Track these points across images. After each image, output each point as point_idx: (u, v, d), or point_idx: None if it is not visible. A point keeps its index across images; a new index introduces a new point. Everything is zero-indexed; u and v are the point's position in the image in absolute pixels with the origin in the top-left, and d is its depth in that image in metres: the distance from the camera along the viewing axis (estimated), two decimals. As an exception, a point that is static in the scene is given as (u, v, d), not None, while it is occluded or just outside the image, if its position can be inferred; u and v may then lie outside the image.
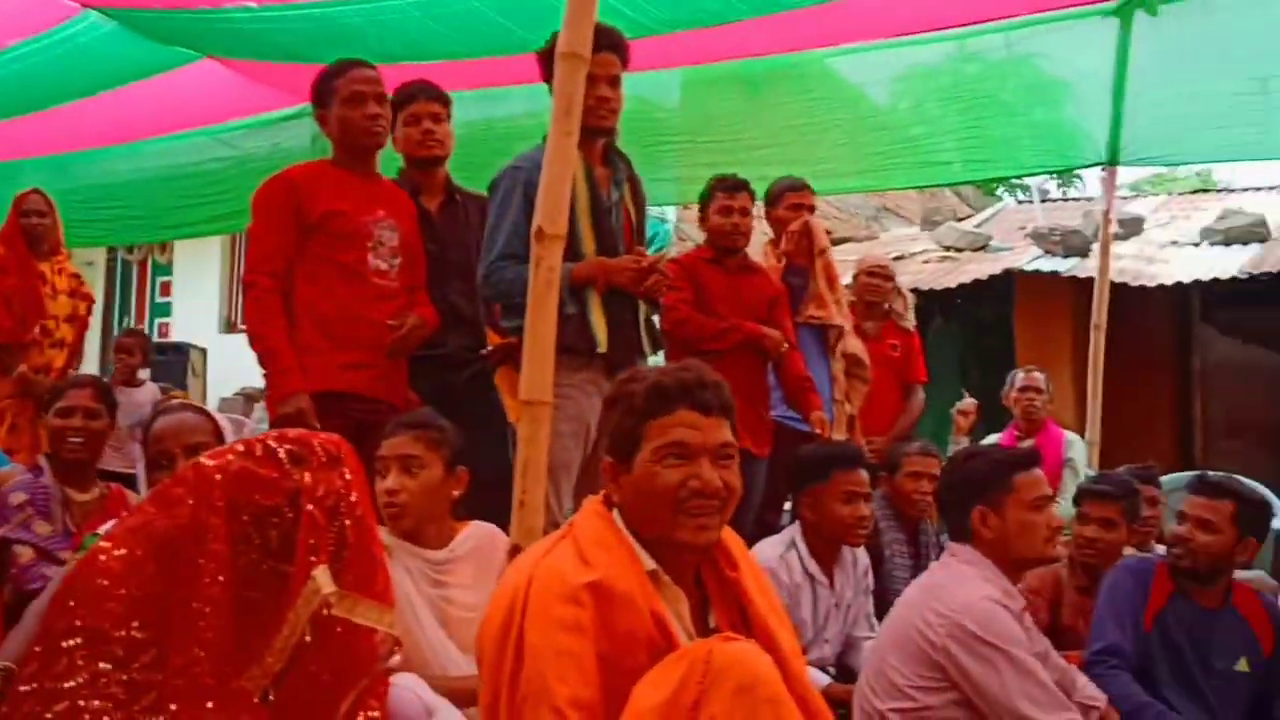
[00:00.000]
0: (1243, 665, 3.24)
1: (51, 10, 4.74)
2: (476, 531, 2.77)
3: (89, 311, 5.58)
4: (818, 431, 4.22)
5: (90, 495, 3.51)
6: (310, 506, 1.85)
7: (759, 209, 4.83)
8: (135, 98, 5.63)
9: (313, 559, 1.84)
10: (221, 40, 5.03)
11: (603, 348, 3.30)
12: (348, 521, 1.91)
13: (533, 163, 3.07)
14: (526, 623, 1.75)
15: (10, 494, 3.41)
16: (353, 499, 1.93)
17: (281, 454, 1.86)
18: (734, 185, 4.28)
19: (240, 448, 1.87)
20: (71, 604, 1.78)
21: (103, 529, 2.10)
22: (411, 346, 3.46)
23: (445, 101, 3.80)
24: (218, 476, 1.83)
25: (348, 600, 1.91)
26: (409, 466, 2.65)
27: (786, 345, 4.25)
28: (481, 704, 1.85)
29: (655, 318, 3.65)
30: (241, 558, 1.83)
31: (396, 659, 2.38)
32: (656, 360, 3.96)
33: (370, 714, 2.04)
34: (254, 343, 3.34)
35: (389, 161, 3.75)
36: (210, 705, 1.75)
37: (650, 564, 1.86)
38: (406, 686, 2.31)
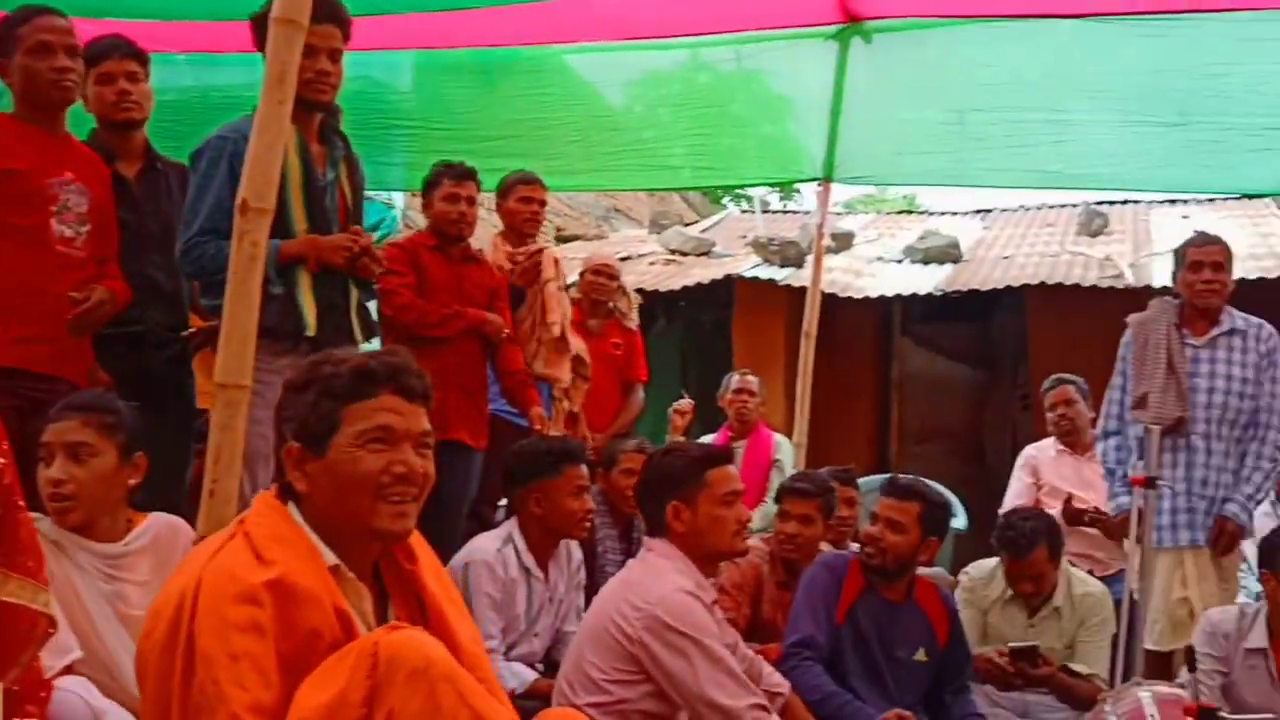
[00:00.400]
0: (921, 655, 3.49)
1: None
2: (156, 523, 2.58)
3: None
4: (536, 427, 4.21)
5: None
6: None
7: (489, 200, 4.79)
8: None
9: None
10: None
11: (311, 331, 3.13)
12: None
13: (240, 133, 2.88)
14: (197, 627, 1.62)
15: None
16: None
17: None
18: (462, 173, 4.20)
19: None
20: None
21: None
22: (97, 323, 3.18)
23: (143, 60, 3.51)
24: None
25: None
26: (77, 454, 2.44)
27: (507, 332, 4.21)
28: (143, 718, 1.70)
29: (370, 304, 3.53)
30: None
31: (76, 655, 2.20)
32: (370, 347, 3.84)
33: None
34: None
35: (80, 124, 3.45)
36: None
37: (332, 559, 1.78)
38: (71, 690, 2.15)
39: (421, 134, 5.60)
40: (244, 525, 1.79)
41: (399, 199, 8.19)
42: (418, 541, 1.96)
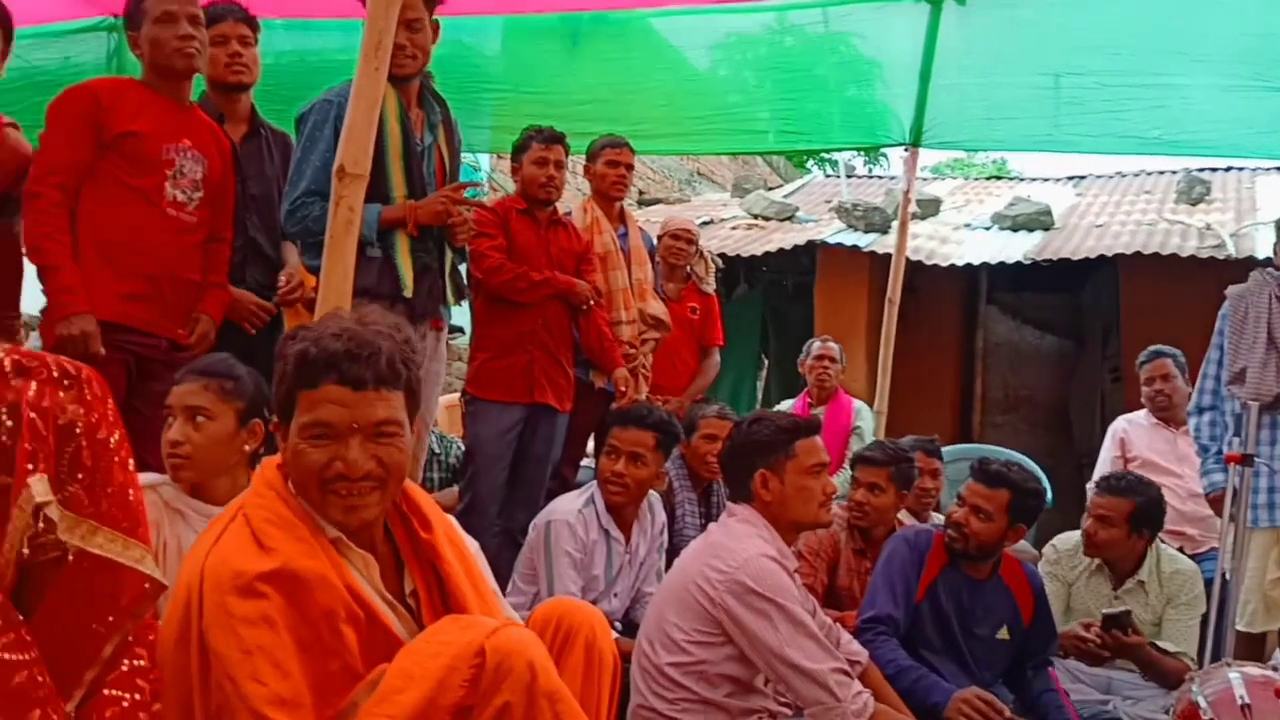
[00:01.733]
0: (1004, 634, 3.45)
1: None
2: None
3: None
4: (622, 390, 4.24)
5: None
6: (32, 415, 1.72)
7: (576, 164, 4.80)
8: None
9: (30, 467, 1.71)
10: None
11: (409, 292, 3.22)
12: (84, 443, 1.78)
13: (345, 97, 2.94)
14: (205, 624, 1.60)
15: None
16: (93, 420, 1.80)
17: (6, 364, 1.73)
18: (550, 137, 4.22)
19: None
20: None
21: None
22: (205, 351, 3.24)
23: (254, 25, 3.62)
24: None
25: (84, 526, 1.79)
26: (195, 417, 2.49)
27: (593, 301, 4.24)
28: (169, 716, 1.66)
29: (461, 266, 3.58)
30: None
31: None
32: (459, 310, 3.89)
33: (137, 662, 1.92)
34: (34, 256, 3.11)
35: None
36: None
37: (332, 531, 1.75)
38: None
39: (509, 97, 5.63)
40: (243, 507, 1.74)
41: (485, 161, 8.27)
42: (430, 508, 1.91)
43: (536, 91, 5.58)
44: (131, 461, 1.89)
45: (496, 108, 5.69)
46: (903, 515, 4.22)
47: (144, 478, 2.30)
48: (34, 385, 1.73)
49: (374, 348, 1.73)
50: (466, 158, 7.45)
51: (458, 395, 5.00)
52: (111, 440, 1.85)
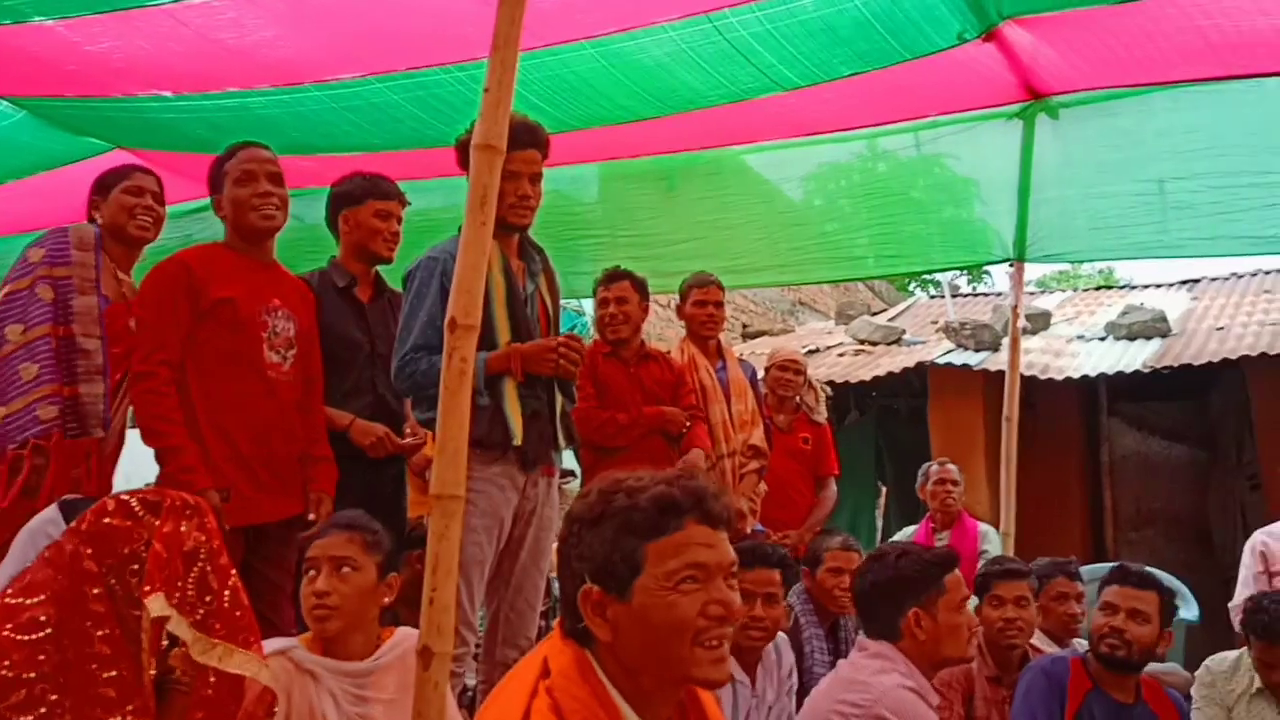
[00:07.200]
0: (1156, 761, 3.24)
1: (-43, 98, 4.64)
2: (402, 639, 2.63)
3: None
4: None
5: None
6: (158, 545, 1.80)
7: (673, 301, 4.85)
8: (43, 188, 5.49)
9: (147, 589, 1.79)
10: (133, 130, 4.93)
11: (518, 441, 3.23)
12: (209, 568, 1.85)
13: (449, 253, 3.04)
14: None
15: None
16: (215, 546, 1.88)
17: (134, 505, 1.84)
18: (609, 276, 4.31)
19: (96, 508, 1.84)
20: None
21: None
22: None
23: (403, 201, 3.77)
24: (84, 547, 1.80)
25: (220, 648, 1.85)
26: (340, 568, 2.52)
27: (688, 425, 4.22)
28: None
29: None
30: (114, 612, 1.77)
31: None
32: (568, 455, 3.91)
33: None
34: (149, 439, 3.10)
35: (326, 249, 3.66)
36: None
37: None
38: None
39: (608, 242, 5.75)
40: (550, 689, 1.57)
41: (588, 305, 8.41)
42: (707, 699, 1.76)
43: (634, 234, 5.69)
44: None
45: (596, 253, 5.79)
46: (1040, 641, 4.01)
47: (271, 644, 2.33)
48: (159, 520, 1.83)
49: (720, 488, 1.67)
50: (570, 303, 7.62)
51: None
52: (230, 565, 1.93)
